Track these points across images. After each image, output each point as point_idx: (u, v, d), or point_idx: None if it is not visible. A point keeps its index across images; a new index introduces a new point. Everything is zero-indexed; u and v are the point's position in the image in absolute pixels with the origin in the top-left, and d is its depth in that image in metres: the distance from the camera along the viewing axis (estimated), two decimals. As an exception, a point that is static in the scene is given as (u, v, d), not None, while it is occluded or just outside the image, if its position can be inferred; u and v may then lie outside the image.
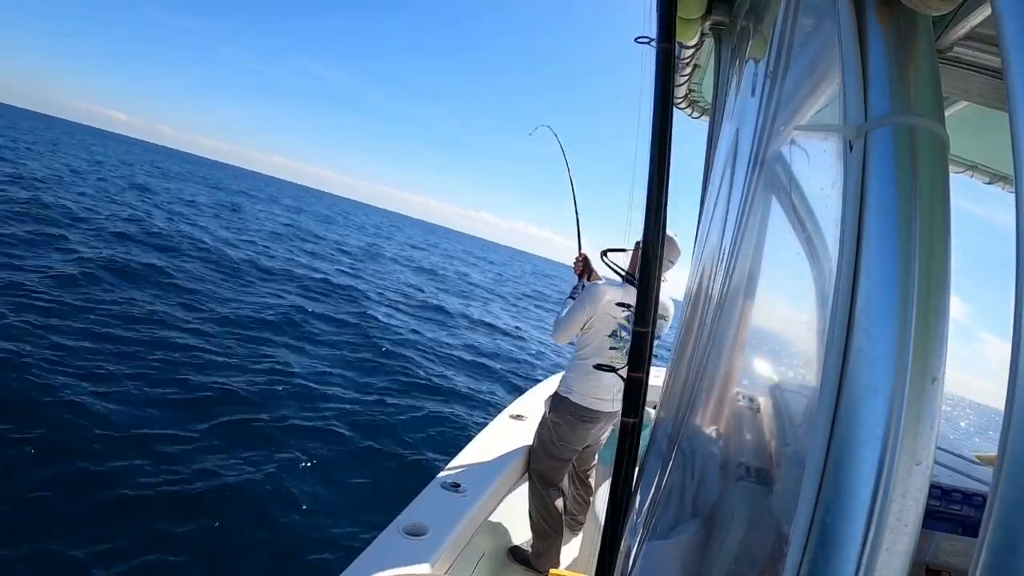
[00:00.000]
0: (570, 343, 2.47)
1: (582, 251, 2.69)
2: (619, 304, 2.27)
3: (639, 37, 1.14)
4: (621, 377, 1.07)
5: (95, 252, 8.06)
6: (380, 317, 9.27)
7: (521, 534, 2.55)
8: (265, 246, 14.18)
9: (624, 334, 2.33)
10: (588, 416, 2.36)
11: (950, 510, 1.00)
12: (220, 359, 5.48)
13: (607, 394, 2.33)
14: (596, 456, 2.73)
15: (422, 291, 14.25)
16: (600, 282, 2.46)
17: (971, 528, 0.98)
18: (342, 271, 13.79)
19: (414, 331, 9.03)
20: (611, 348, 2.33)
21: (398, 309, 10.79)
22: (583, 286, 2.58)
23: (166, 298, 7.01)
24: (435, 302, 12.77)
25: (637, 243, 2.27)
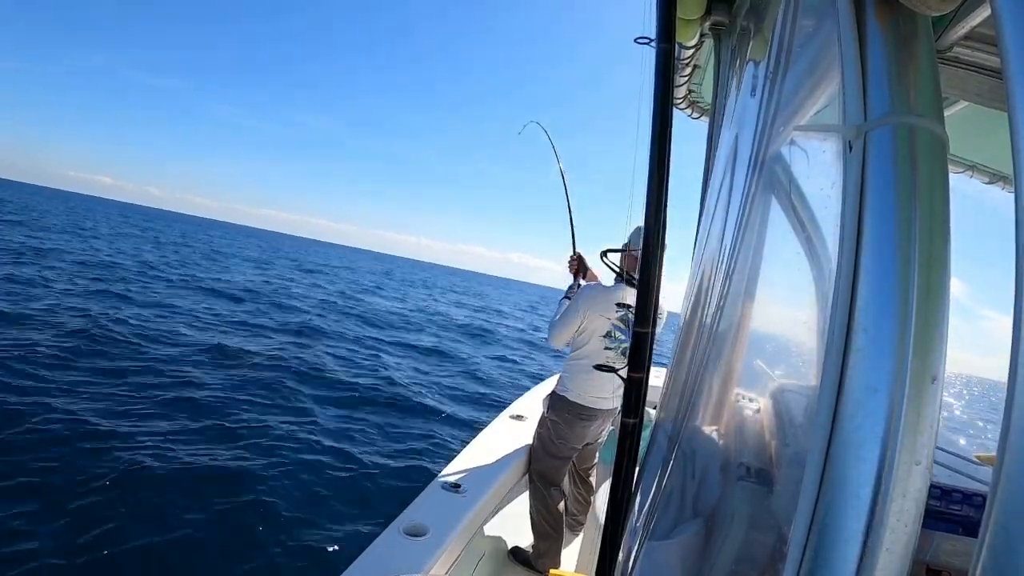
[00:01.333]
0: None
1: (577, 250, 2.69)
2: (618, 304, 2.27)
3: (639, 37, 1.14)
4: (621, 377, 1.07)
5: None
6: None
7: (522, 534, 2.55)
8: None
9: (619, 334, 2.33)
10: (586, 414, 2.36)
11: (950, 510, 1.00)
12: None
13: (604, 392, 2.34)
14: (596, 454, 2.73)
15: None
16: (594, 283, 2.47)
17: (971, 528, 0.98)
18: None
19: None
20: (606, 348, 2.33)
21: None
22: (578, 286, 2.58)
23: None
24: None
25: (625, 244, 2.28)
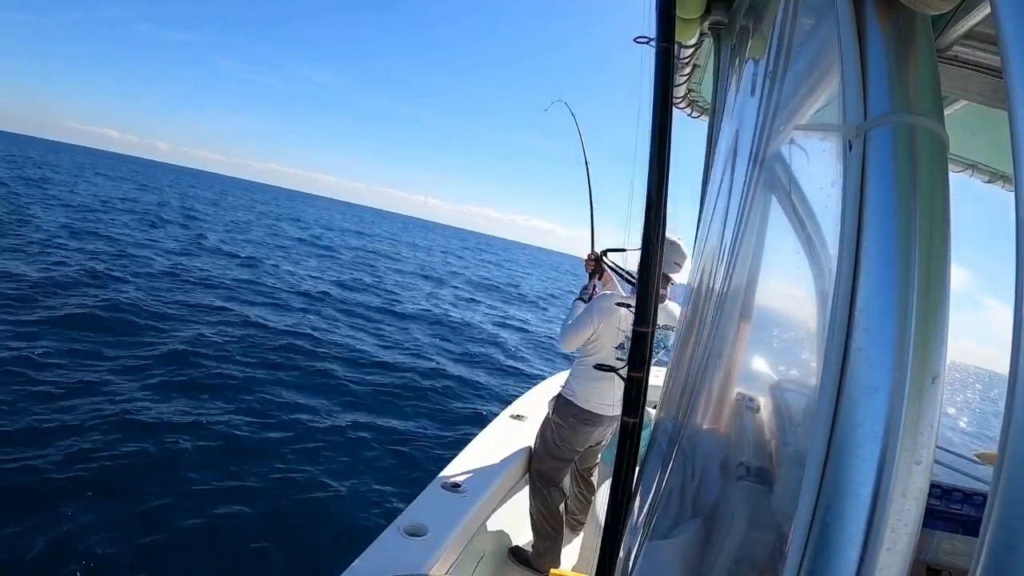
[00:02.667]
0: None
1: (595, 249, 2.60)
2: (622, 304, 2.24)
3: (638, 37, 1.14)
4: (622, 377, 1.07)
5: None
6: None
7: (522, 534, 2.55)
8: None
9: (629, 345, 2.27)
10: (591, 420, 2.35)
11: (950, 509, 1.00)
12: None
13: (610, 399, 2.32)
14: (599, 456, 2.72)
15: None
16: (609, 293, 2.41)
17: (971, 527, 0.98)
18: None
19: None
20: (617, 359, 2.28)
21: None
22: (595, 286, 2.54)
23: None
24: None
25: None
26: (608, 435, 2.58)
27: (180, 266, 10.12)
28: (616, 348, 2.30)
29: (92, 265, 8.58)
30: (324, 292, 10.59)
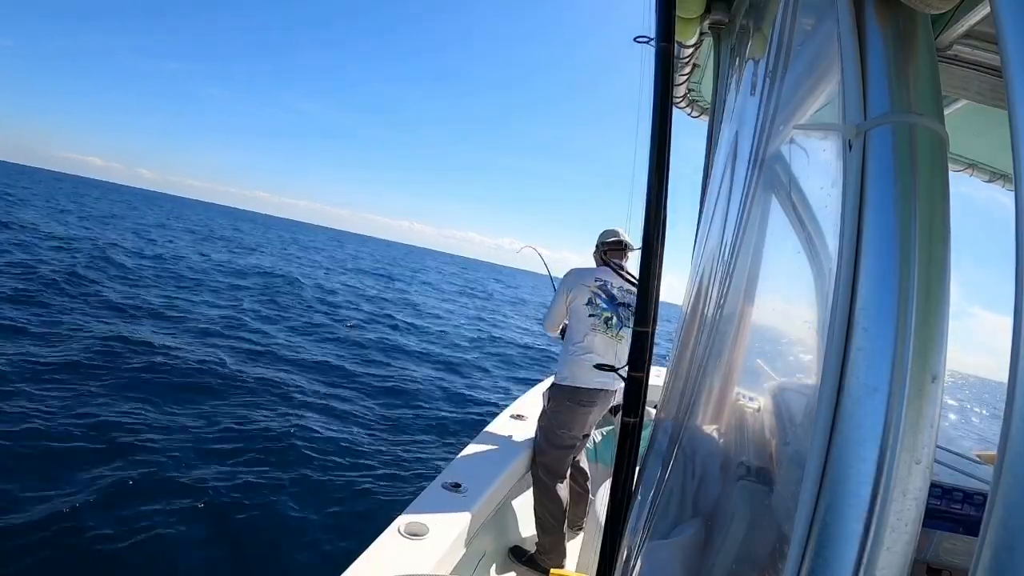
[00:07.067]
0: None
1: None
2: (596, 280, 2.45)
3: (638, 36, 1.14)
4: (621, 377, 1.07)
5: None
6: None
7: (522, 533, 2.55)
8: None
9: (599, 300, 2.45)
10: (585, 399, 2.40)
11: (951, 509, 1.00)
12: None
13: (601, 373, 2.38)
14: (587, 440, 2.75)
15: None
16: (580, 267, 2.61)
17: (972, 527, 0.98)
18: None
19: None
20: (590, 316, 2.43)
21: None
22: None
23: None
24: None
25: (600, 243, 2.56)
26: (602, 415, 2.62)
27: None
28: (587, 305, 2.45)
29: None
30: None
